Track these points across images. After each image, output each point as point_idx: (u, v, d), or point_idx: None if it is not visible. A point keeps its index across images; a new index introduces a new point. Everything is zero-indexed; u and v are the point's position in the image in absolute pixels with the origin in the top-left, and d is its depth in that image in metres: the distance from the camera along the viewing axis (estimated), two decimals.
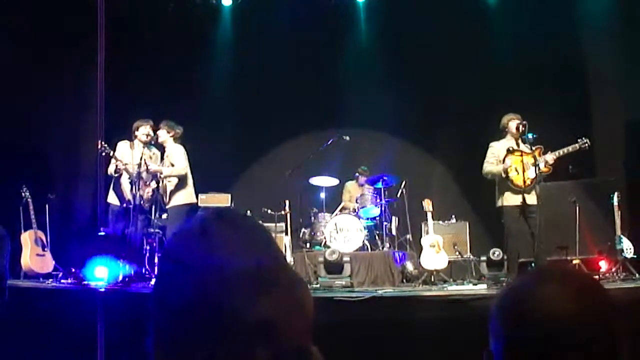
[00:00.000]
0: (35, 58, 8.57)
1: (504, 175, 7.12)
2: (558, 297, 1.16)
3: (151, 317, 1.04)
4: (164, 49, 10.19)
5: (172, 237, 1.09)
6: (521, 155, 7.09)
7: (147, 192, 7.88)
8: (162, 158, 8.08)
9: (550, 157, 7.07)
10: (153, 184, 7.97)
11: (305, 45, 10.50)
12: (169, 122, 8.05)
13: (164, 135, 8.00)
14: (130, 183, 7.75)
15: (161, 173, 7.89)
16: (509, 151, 7.12)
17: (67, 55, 8.83)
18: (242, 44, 10.74)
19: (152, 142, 8.03)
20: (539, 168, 6.95)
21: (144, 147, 7.91)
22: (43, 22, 8.64)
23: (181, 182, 7.94)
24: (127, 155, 7.83)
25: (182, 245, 1.06)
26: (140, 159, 7.67)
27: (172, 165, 7.89)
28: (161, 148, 8.13)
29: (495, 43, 10.06)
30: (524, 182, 7.02)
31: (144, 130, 7.91)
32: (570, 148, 7.13)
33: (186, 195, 7.97)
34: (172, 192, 7.93)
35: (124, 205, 7.86)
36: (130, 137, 7.97)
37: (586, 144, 7.12)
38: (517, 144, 7.19)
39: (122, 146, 7.90)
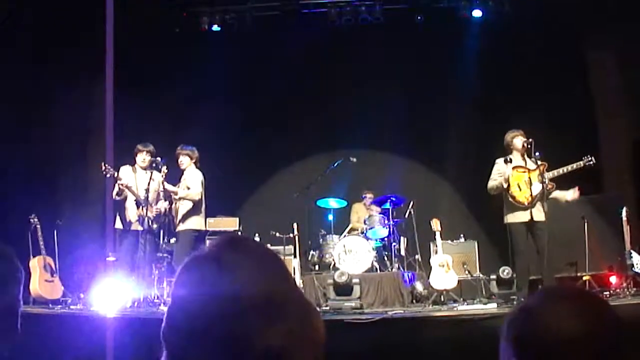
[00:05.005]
0: (41, 81, 8.63)
1: (504, 185, 7.10)
2: (566, 316, 1.17)
3: (164, 341, 1.06)
4: (170, 72, 10.26)
5: (187, 263, 1.10)
6: (526, 172, 7.08)
7: (157, 210, 7.88)
8: (179, 180, 8.09)
9: (548, 175, 7.05)
10: (160, 204, 7.96)
11: (311, 67, 10.57)
12: (189, 148, 8.09)
13: (186, 162, 8.02)
14: (136, 204, 7.77)
15: (176, 194, 7.91)
16: (512, 166, 7.12)
17: (75, 79, 8.90)
18: (247, 67, 10.80)
19: (159, 168, 7.99)
20: (546, 183, 6.93)
21: (152, 172, 7.93)
22: (46, 49, 8.71)
23: (195, 208, 7.96)
24: (131, 179, 7.84)
25: (196, 271, 1.07)
26: (149, 184, 7.69)
27: (188, 188, 7.92)
28: (181, 173, 8.14)
29: (501, 62, 10.09)
30: (527, 198, 7.00)
31: (141, 157, 7.94)
32: (574, 166, 7.08)
33: (197, 222, 8.00)
34: (184, 216, 7.95)
35: (128, 229, 7.86)
36: (132, 162, 8.02)
37: (591, 162, 7.08)
38: (525, 161, 7.19)
39: (125, 170, 7.91)
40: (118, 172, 7.79)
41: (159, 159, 7.87)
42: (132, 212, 7.89)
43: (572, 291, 1.28)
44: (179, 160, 8.04)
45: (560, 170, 7.08)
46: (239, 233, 9.18)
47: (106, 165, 7.30)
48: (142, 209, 7.68)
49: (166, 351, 1.06)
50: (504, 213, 7.25)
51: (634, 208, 8.20)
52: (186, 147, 8.11)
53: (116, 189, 7.71)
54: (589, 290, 6.56)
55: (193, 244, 7.87)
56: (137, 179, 7.87)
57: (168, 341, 1.06)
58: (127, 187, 7.71)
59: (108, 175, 7.44)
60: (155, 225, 7.90)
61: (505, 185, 7.11)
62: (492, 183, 7.29)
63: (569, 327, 1.15)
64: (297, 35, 10.39)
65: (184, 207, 7.98)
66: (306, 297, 1.13)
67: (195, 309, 1.02)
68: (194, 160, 8.07)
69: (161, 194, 8.00)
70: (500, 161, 7.29)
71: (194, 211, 7.96)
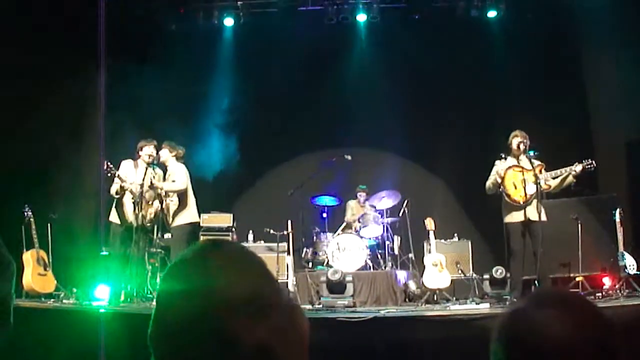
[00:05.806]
0: (37, 75, 8.60)
1: (499, 180, 7.12)
2: (556, 321, 1.17)
3: (151, 339, 1.07)
4: (166, 68, 10.23)
5: (174, 264, 1.14)
6: (522, 171, 7.10)
7: (150, 213, 7.88)
8: (164, 178, 8.10)
9: (545, 175, 7.07)
10: (156, 204, 7.97)
11: (307, 65, 10.54)
12: (170, 142, 8.10)
13: (165, 155, 8.03)
14: (133, 203, 7.76)
15: (162, 189, 7.91)
16: (508, 165, 7.15)
17: (70, 73, 8.87)
18: (243, 64, 10.79)
19: (155, 162, 8.03)
20: (541, 185, 6.96)
21: (147, 167, 7.93)
22: (44, 39, 8.67)
23: (183, 203, 7.98)
24: (131, 174, 7.84)
25: (183, 271, 1.11)
26: (144, 179, 7.68)
27: (173, 182, 7.93)
28: (163, 168, 8.15)
29: (497, 63, 10.10)
30: (521, 197, 7.03)
31: (147, 151, 7.94)
32: (574, 168, 7.06)
33: (189, 215, 8.02)
34: (175, 213, 7.97)
35: (123, 224, 7.85)
36: (133, 157, 8.01)
37: (591, 166, 7.08)
38: (518, 160, 7.21)
39: (126, 165, 7.91)
40: (119, 167, 7.79)
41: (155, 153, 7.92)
42: (128, 207, 7.87)
43: (562, 295, 1.29)
44: (158, 153, 8.03)
45: (558, 172, 7.09)
46: (233, 229, 9.19)
47: (108, 163, 7.31)
48: (138, 207, 7.67)
49: (154, 347, 1.08)
50: (502, 214, 7.27)
51: (627, 209, 8.22)
52: (171, 143, 8.12)
53: (116, 187, 7.70)
54: (580, 293, 6.60)
55: (188, 237, 7.92)
56: (138, 174, 7.86)
57: (156, 337, 1.08)
58: (130, 191, 7.70)
59: (109, 174, 7.44)
60: (149, 224, 7.90)
61: (499, 180, 7.13)
62: (488, 182, 7.32)
63: (559, 331, 1.15)
64: (294, 32, 10.38)
65: (174, 203, 8.01)
66: (291, 297, 1.16)
67: (182, 306, 1.05)
68: (173, 154, 8.06)
69: (158, 190, 8.00)
70: (498, 162, 7.31)
71: (183, 206, 7.99)
